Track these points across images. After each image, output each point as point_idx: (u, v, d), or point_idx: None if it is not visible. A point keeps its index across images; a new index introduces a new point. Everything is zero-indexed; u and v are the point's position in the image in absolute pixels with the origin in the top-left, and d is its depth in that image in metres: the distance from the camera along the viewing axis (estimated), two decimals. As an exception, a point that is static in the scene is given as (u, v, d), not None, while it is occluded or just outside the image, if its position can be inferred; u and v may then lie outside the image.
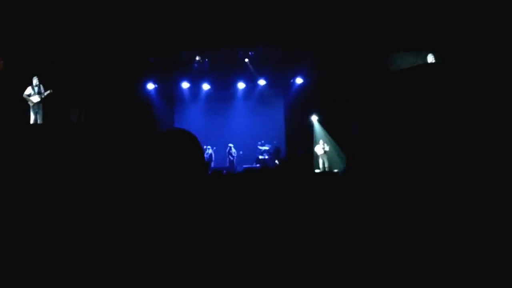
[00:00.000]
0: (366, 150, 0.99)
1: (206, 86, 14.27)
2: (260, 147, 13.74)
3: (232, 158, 13.60)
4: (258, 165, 13.17)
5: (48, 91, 9.35)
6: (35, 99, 9.30)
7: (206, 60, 13.39)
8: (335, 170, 11.45)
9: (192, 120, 14.11)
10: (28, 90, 9.31)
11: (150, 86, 13.78)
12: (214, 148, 13.58)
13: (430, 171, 0.86)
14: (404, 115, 0.92)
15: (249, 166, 12.85)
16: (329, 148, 12.90)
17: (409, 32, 10.20)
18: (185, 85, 14.13)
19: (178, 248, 1.24)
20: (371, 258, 0.92)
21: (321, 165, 12.86)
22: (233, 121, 14.76)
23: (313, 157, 13.22)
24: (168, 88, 14.29)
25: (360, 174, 1.00)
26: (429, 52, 10.18)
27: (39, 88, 9.35)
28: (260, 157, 13.55)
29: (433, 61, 9.73)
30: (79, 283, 1.24)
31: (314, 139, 13.67)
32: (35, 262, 1.31)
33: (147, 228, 1.28)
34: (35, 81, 9.32)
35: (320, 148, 12.98)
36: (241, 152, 13.81)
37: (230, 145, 13.67)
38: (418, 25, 9.96)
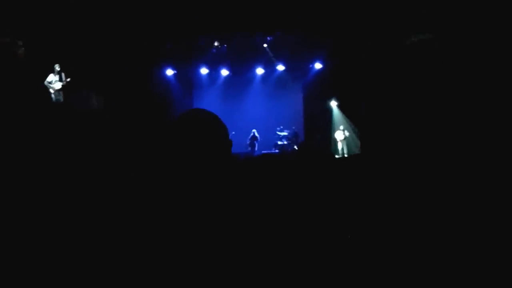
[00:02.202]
0: (375, 128, 0.97)
1: (224, 72, 14.27)
2: (279, 133, 13.71)
3: (254, 144, 13.61)
4: (276, 150, 13.16)
5: (68, 79, 9.49)
6: (56, 86, 9.45)
7: (225, 45, 13.34)
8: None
9: (211, 105, 14.12)
10: (50, 78, 9.45)
11: (169, 72, 13.86)
12: (233, 132, 13.60)
13: (441, 149, 0.84)
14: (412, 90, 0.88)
15: (268, 151, 12.86)
16: (349, 134, 12.82)
17: (428, 15, 9.92)
18: (204, 71, 14.15)
19: (193, 229, 1.25)
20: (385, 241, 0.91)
21: (340, 151, 12.80)
22: (251, 107, 14.75)
23: (332, 142, 13.16)
24: (187, 74, 14.34)
25: (373, 152, 0.98)
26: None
27: (60, 75, 9.49)
28: (279, 142, 13.54)
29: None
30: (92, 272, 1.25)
31: (333, 124, 13.59)
32: (44, 247, 1.34)
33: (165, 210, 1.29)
34: (57, 68, 9.46)
35: (341, 134, 12.90)
36: (258, 138, 13.84)
37: (254, 130, 13.68)
38: (437, 7, 9.67)
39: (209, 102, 14.52)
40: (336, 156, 12.24)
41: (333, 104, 13.73)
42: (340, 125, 13.17)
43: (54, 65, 9.47)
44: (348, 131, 12.87)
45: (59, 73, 9.48)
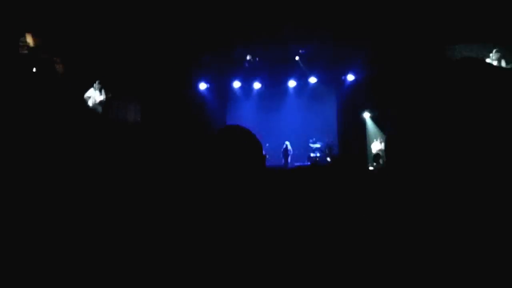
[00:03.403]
0: (403, 152, 0.97)
1: (257, 85, 14.38)
2: (312, 145, 13.64)
3: (287, 156, 13.58)
4: (309, 163, 13.09)
5: (109, 94, 9.85)
6: (96, 100, 9.82)
7: (257, 59, 13.46)
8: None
9: (244, 118, 14.24)
10: (90, 92, 9.83)
11: (203, 86, 14.11)
12: (267, 145, 13.55)
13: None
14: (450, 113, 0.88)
15: (300, 164, 12.81)
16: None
17: (471, 22, 9.64)
18: (237, 84, 14.32)
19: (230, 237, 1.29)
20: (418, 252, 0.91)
21: (375, 163, 12.58)
22: (284, 118, 14.78)
23: (367, 154, 12.96)
24: (220, 87, 14.54)
25: (400, 173, 0.98)
26: (494, 45, 9.69)
27: (100, 90, 9.86)
28: (312, 154, 13.46)
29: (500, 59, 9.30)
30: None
31: (367, 136, 13.39)
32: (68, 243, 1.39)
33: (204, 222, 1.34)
34: (97, 83, 9.84)
35: (377, 145, 12.68)
36: (291, 151, 13.80)
37: (287, 142, 13.66)
38: (481, 14, 9.40)
39: (243, 114, 14.65)
40: (370, 168, 12.05)
41: (367, 115, 13.54)
42: (373, 137, 12.96)
43: (94, 81, 9.84)
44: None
45: (99, 88, 9.84)
